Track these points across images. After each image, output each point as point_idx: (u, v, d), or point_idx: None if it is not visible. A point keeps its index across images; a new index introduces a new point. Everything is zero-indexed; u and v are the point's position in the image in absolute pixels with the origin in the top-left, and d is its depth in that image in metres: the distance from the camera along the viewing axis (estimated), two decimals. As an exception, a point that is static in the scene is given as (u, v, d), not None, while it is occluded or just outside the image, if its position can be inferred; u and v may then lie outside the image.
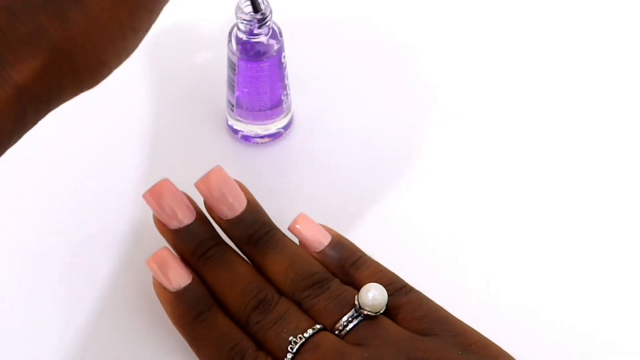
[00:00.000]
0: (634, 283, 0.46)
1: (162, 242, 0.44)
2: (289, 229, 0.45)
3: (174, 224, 0.44)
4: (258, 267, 0.44)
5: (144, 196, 0.44)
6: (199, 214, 0.44)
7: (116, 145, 0.51)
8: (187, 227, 0.44)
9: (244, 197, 0.44)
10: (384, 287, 0.42)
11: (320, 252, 0.44)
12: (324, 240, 0.44)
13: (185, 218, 0.44)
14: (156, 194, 0.43)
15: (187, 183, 0.45)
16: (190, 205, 0.44)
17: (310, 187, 0.47)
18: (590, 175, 0.50)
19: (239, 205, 0.44)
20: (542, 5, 0.57)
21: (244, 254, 0.44)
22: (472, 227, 0.48)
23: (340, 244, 0.44)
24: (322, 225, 0.45)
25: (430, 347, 0.40)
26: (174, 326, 0.43)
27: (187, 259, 0.44)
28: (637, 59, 0.55)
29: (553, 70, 0.55)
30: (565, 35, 0.56)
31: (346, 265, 0.44)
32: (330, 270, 0.44)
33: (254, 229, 0.44)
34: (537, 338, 0.45)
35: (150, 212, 0.45)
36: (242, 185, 0.45)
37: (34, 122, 0.34)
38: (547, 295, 0.46)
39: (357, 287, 0.43)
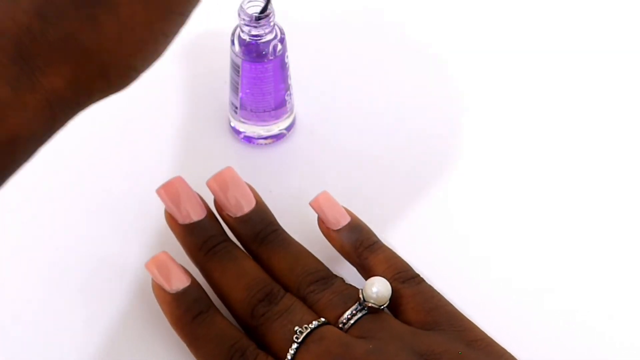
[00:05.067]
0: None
1: (161, 243, 0.45)
2: (310, 204, 0.46)
3: (184, 219, 0.44)
4: (263, 265, 0.44)
5: (157, 191, 0.44)
6: (209, 211, 0.45)
7: (118, 147, 0.51)
8: (197, 223, 0.44)
9: (252, 197, 0.45)
10: (396, 274, 0.43)
11: (337, 231, 0.45)
12: (343, 220, 0.45)
13: (195, 214, 0.44)
14: (169, 190, 0.44)
15: (190, 184, 0.45)
16: (201, 202, 0.45)
17: (312, 188, 0.47)
18: (603, 179, 0.51)
19: (248, 205, 0.45)
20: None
21: (250, 252, 0.45)
22: (478, 228, 0.49)
23: (358, 227, 0.45)
24: (343, 206, 0.46)
25: (434, 341, 0.40)
26: (172, 328, 0.43)
27: (194, 254, 0.44)
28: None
29: (568, 78, 0.55)
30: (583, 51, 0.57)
31: (360, 248, 0.45)
32: (344, 251, 0.45)
33: (261, 227, 0.45)
34: (542, 340, 0.45)
35: (150, 212, 0.45)
36: (251, 186, 0.46)
37: (62, 125, 0.34)
38: (555, 296, 0.46)
39: (369, 271, 0.44)
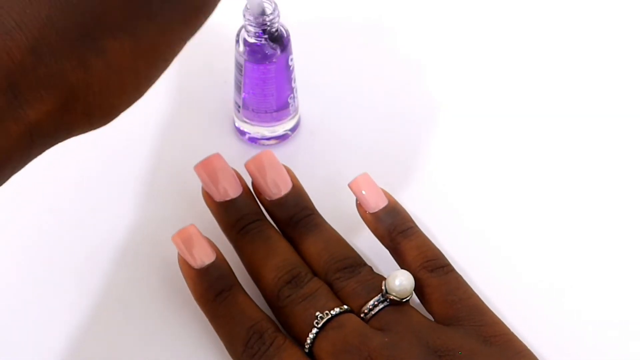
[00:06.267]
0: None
1: (174, 229, 0.45)
2: (349, 185, 0.46)
3: (221, 197, 0.45)
4: (296, 248, 0.45)
5: (195, 168, 0.45)
6: (246, 190, 0.46)
7: (122, 147, 0.51)
8: (232, 201, 0.45)
9: (289, 180, 0.46)
10: (425, 262, 0.43)
11: (374, 214, 0.45)
12: (381, 203, 0.45)
13: (231, 191, 0.45)
14: (206, 167, 0.45)
15: (193, 184, 0.46)
16: (238, 180, 0.45)
17: (316, 189, 0.47)
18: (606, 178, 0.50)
19: (284, 187, 0.45)
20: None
21: (285, 236, 0.45)
22: (478, 229, 0.48)
23: (394, 211, 0.45)
24: (382, 189, 0.46)
25: (450, 337, 0.40)
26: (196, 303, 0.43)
27: (229, 232, 0.45)
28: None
29: (557, 70, 0.55)
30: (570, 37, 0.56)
31: (394, 232, 0.45)
32: (379, 235, 0.45)
33: (295, 210, 0.45)
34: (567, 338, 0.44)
35: (155, 219, 0.46)
36: (289, 169, 0.46)
37: (37, 155, 0.35)
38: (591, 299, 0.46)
39: (400, 257, 0.44)
